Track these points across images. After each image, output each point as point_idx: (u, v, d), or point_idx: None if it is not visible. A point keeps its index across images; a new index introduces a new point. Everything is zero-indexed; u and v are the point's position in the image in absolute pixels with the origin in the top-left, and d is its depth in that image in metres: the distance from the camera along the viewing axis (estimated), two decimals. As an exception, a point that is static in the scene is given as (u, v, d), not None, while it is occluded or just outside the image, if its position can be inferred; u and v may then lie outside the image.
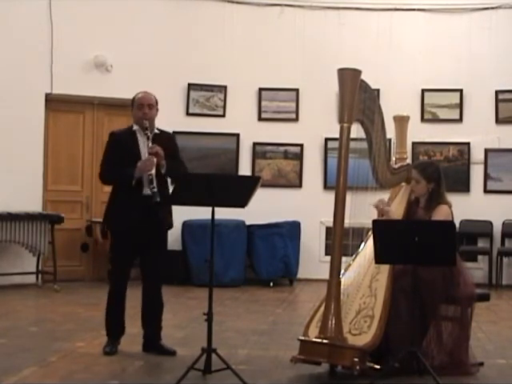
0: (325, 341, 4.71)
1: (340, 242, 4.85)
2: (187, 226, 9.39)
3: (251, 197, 4.75)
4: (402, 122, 5.60)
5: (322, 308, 4.87)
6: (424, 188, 5.18)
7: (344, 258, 4.99)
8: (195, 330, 6.11)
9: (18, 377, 4.67)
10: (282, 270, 9.52)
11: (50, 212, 8.92)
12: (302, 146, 10.04)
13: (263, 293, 8.88)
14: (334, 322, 4.73)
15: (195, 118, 9.93)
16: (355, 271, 5.15)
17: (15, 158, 8.77)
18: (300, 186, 10.10)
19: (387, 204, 5.29)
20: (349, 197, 4.89)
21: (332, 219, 4.86)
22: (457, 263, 4.80)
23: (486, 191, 9.89)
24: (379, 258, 4.65)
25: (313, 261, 9.71)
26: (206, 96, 9.97)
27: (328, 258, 4.95)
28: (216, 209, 4.75)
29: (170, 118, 9.66)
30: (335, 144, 5.13)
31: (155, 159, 5.18)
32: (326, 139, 9.84)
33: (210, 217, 4.79)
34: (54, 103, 9.26)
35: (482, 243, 9.91)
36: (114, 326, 5.40)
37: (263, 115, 10.10)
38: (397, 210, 5.26)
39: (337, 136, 4.88)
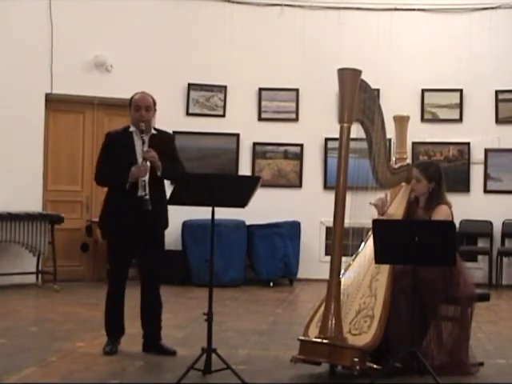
0: (325, 341, 4.71)
1: (340, 242, 4.85)
2: (187, 225, 9.40)
3: (251, 197, 4.75)
4: (401, 122, 5.60)
5: (322, 308, 4.87)
6: (425, 187, 5.18)
7: (344, 258, 4.99)
8: (195, 329, 6.11)
9: (19, 376, 4.67)
10: (281, 269, 9.52)
11: (50, 212, 8.92)
12: (302, 146, 10.04)
13: (263, 293, 8.88)
14: (333, 321, 4.73)
15: (195, 118, 9.93)
16: (355, 271, 5.15)
17: (15, 158, 8.78)
18: (300, 186, 10.10)
19: (387, 204, 5.29)
20: (349, 197, 4.89)
21: (332, 219, 4.86)
22: (457, 263, 4.80)
23: (485, 191, 9.89)
24: (379, 257, 4.65)
25: (313, 261, 9.71)
26: (206, 96, 9.97)
27: (328, 258, 4.95)
28: (216, 209, 4.75)
29: (169, 118, 9.70)
30: (335, 144, 5.13)
31: (149, 165, 5.16)
32: (326, 139, 9.85)
33: (210, 217, 4.79)
34: (54, 103, 9.26)
35: (481, 243, 9.91)
36: (114, 327, 5.40)
37: (263, 115, 10.10)
38: (397, 210, 5.26)
39: (337, 136, 4.88)
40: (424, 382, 4.61)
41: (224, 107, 10.00)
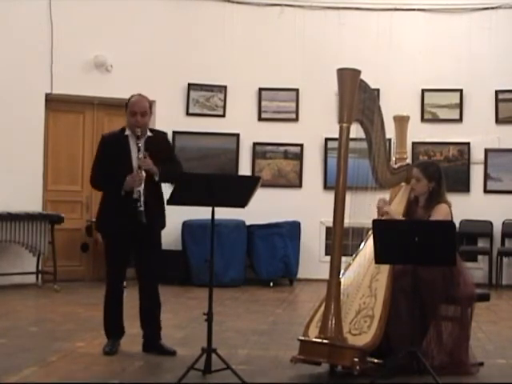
0: (325, 341, 4.71)
1: (340, 242, 4.85)
2: (187, 226, 9.40)
3: (251, 197, 4.76)
4: (401, 121, 5.60)
5: (322, 308, 4.87)
6: (425, 187, 5.18)
7: (344, 258, 4.99)
8: (195, 329, 6.11)
9: (19, 376, 4.67)
10: (282, 269, 9.52)
11: (50, 212, 8.92)
12: (302, 146, 10.04)
13: (263, 293, 8.88)
14: (333, 322, 4.73)
15: (195, 118, 9.93)
16: (355, 271, 5.15)
17: (15, 158, 8.78)
18: (300, 186, 10.10)
19: (388, 204, 5.29)
20: (349, 197, 4.90)
21: (332, 219, 4.86)
22: (457, 263, 4.80)
23: (486, 191, 9.89)
24: (379, 257, 4.65)
25: (313, 261, 9.71)
26: (206, 96, 9.97)
27: (328, 258, 4.96)
28: (216, 209, 4.76)
29: (169, 118, 9.73)
30: (335, 144, 5.13)
31: (144, 174, 5.15)
32: (326, 139, 9.84)
33: (210, 217, 4.79)
34: (54, 103, 9.26)
35: (481, 243, 9.91)
36: (113, 328, 5.40)
37: (263, 115, 10.10)
38: (396, 210, 5.26)
39: (337, 136, 4.88)
40: (424, 382, 4.61)
41: (224, 107, 10.00)
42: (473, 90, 9.88)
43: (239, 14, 9.93)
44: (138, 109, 5.25)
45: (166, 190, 5.17)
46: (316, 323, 4.91)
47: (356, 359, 4.60)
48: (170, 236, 9.25)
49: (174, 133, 9.76)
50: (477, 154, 9.88)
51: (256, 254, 9.53)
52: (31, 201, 8.83)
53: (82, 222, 9.34)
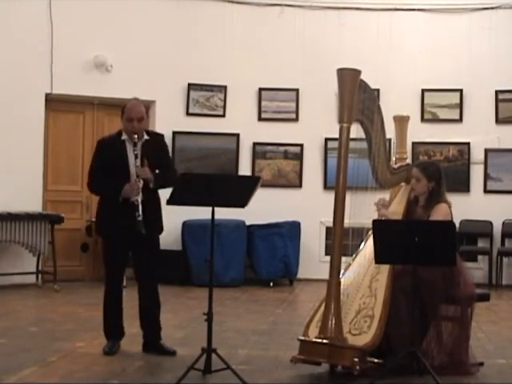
0: (325, 341, 4.71)
1: (340, 242, 4.85)
2: (187, 225, 9.40)
3: (251, 197, 4.75)
4: (401, 122, 5.60)
5: (322, 308, 4.87)
6: (424, 187, 5.18)
7: (344, 258, 5.00)
8: (195, 329, 6.11)
9: (19, 376, 4.67)
10: (282, 269, 9.52)
11: (50, 212, 8.92)
12: (302, 146, 10.04)
13: (263, 293, 8.87)
14: (333, 322, 4.73)
15: (195, 118, 9.92)
16: (355, 271, 5.15)
17: (15, 158, 8.77)
18: (300, 186, 10.10)
19: (387, 204, 5.29)
20: (349, 197, 4.90)
21: (332, 219, 4.86)
22: (457, 263, 4.80)
23: (486, 191, 9.89)
24: (379, 257, 4.65)
25: (313, 261, 9.71)
26: (206, 96, 9.97)
27: (328, 258, 4.96)
28: (216, 209, 4.76)
29: (169, 118, 9.73)
30: (335, 144, 5.13)
31: (142, 183, 5.16)
32: (326, 139, 9.84)
33: (210, 217, 4.79)
34: (54, 103, 9.26)
35: (481, 243, 9.91)
36: (113, 328, 5.41)
37: (263, 115, 10.10)
38: (396, 210, 5.26)
39: (337, 136, 4.88)
40: (424, 382, 4.61)
41: (224, 107, 10.00)
42: (473, 90, 9.88)
43: (239, 14, 9.93)
44: (134, 115, 5.22)
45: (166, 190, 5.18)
46: (316, 323, 4.91)
47: (356, 359, 4.60)
48: (170, 236, 9.24)
49: (174, 133, 9.76)
50: (477, 154, 9.88)
51: (256, 254, 9.53)
52: (31, 201, 8.83)
53: (82, 222, 9.34)
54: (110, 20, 9.33)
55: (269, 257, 9.45)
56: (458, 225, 8.55)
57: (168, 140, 9.37)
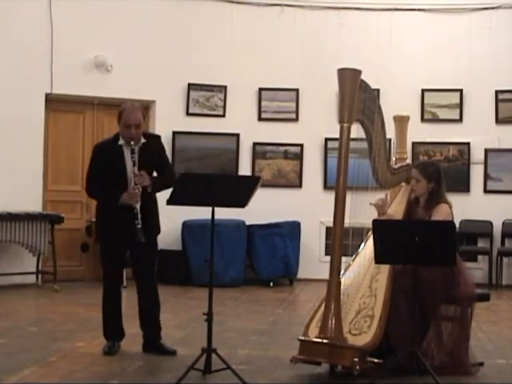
0: (325, 341, 4.71)
1: (340, 242, 4.85)
2: (187, 225, 9.40)
3: (251, 197, 4.76)
4: (402, 122, 5.60)
5: (322, 308, 4.87)
6: (424, 187, 5.18)
7: (344, 258, 5.00)
8: (195, 329, 6.11)
9: (19, 376, 4.67)
10: (282, 270, 9.52)
11: (50, 212, 8.92)
12: (302, 146, 10.04)
13: (263, 293, 8.87)
14: (334, 321, 4.73)
15: (195, 118, 9.92)
16: (355, 271, 5.15)
17: (15, 158, 8.77)
18: (300, 186, 10.09)
19: (386, 203, 5.29)
20: (349, 197, 4.90)
21: (332, 219, 4.86)
22: (457, 263, 4.80)
23: (486, 191, 9.89)
24: (379, 258, 4.65)
25: (313, 261, 9.71)
26: (206, 96, 9.97)
27: (328, 258, 4.96)
28: (216, 209, 4.76)
29: (169, 118, 9.73)
30: (335, 144, 5.13)
31: (140, 190, 5.16)
32: (326, 139, 9.84)
33: (210, 217, 4.79)
34: (54, 103, 9.26)
35: (482, 243, 9.91)
36: (112, 330, 5.41)
37: (263, 115, 10.10)
38: (397, 210, 5.27)
39: (337, 136, 4.88)
40: (424, 382, 4.61)
41: (224, 107, 10.00)
42: (473, 90, 9.88)
43: (239, 14, 9.92)
44: (132, 122, 5.19)
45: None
46: (316, 323, 4.91)
47: (356, 359, 4.60)
48: (170, 236, 9.25)
49: (174, 133, 9.76)
50: (477, 154, 9.88)
51: (256, 254, 9.53)
52: (31, 201, 8.83)
53: (82, 222, 9.34)
54: (110, 20, 9.33)
55: (269, 257, 9.45)
56: (458, 225, 8.55)
57: (168, 140, 9.52)
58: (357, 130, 4.98)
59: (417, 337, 4.74)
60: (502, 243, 9.78)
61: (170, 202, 4.74)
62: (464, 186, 9.80)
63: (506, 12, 9.85)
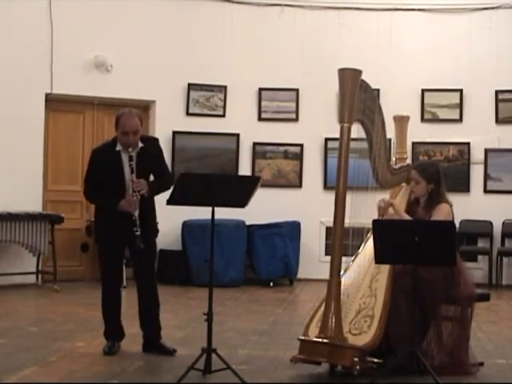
0: (325, 340, 4.71)
1: (340, 241, 4.85)
2: (187, 226, 9.40)
3: (251, 197, 4.76)
4: (401, 122, 5.60)
5: (322, 308, 4.87)
6: (424, 189, 5.18)
7: (344, 258, 4.99)
8: (195, 329, 6.11)
9: (19, 376, 4.67)
10: (282, 270, 9.52)
11: (50, 212, 8.92)
12: (302, 146, 10.04)
13: (263, 293, 8.87)
14: (334, 321, 4.73)
15: (195, 118, 9.92)
16: (355, 271, 5.15)
17: (15, 158, 8.77)
18: (300, 186, 10.09)
19: (389, 204, 5.29)
20: (349, 197, 4.89)
21: (332, 219, 4.86)
22: (457, 263, 4.80)
23: (486, 191, 9.89)
24: (379, 258, 4.65)
25: (313, 261, 9.71)
26: (206, 96, 9.96)
27: (328, 258, 4.96)
28: (216, 209, 4.76)
29: (169, 118, 9.73)
30: (335, 144, 5.13)
31: (139, 197, 5.16)
32: (326, 139, 9.84)
33: (210, 217, 4.79)
34: (54, 103, 9.26)
35: (482, 243, 9.91)
36: (112, 330, 5.41)
37: (263, 115, 10.10)
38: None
39: (337, 136, 4.88)
40: (424, 382, 4.61)
41: (224, 107, 9.99)
42: (473, 90, 9.88)
43: (239, 14, 9.92)
44: (129, 129, 5.18)
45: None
46: (316, 323, 4.91)
47: (356, 359, 4.60)
48: (170, 236, 9.26)
49: (174, 133, 9.76)
50: (477, 154, 9.88)
51: (256, 254, 9.53)
52: (31, 201, 8.83)
53: (82, 222, 9.34)
54: (110, 20, 9.33)
55: (269, 257, 9.45)
56: (458, 225, 8.54)
57: (168, 140, 9.53)
58: (357, 130, 4.98)
59: (417, 337, 4.74)
60: (502, 243, 9.78)
61: (169, 201, 4.74)
62: (464, 186, 9.80)
63: (506, 12, 9.85)
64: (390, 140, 5.61)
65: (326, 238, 9.74)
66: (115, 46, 9.34)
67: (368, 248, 5.12)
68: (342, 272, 4.99)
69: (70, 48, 9.07)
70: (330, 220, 4.95)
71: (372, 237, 4.68)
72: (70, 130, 9.46)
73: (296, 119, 10.09)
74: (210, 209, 4.73)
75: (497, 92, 9.82)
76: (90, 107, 9.52)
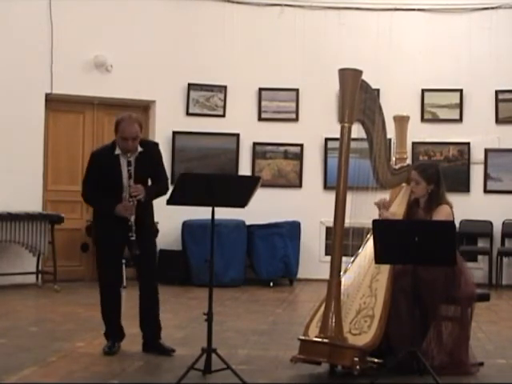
0: (325, 340, 4.71)
1: (340, 241, 4.85)
2: (187, 225, 9.40)
3: (251, 197, 4.76)
4: (401, 122, 5.60)
5: (322, 308, 4.87)
6: (424, 189, 5.18)
7: (344, 258, 4.99)
8: (195, 329, 6.11)
9: (19, 376, 4.67)
10: (282, 270, 9.52)
11: (50, 212, 8.92)
12: (302, 146, 10.04)
13: (263, 293, 8.87)
14: (334, 321, 4.73)
15: (195, 118, 9.92)
16: (355, 271, 5.15)
17: (15, 158, 8.77)
18: (300, 186, 10.09)
19: (388, 205, 5.29)
20: (349, 197, 4.89)
21: (332, 219, 4.86)
22: (459, 263, 4.81)
23: (486, 191, 9.89)
24: (379, 258, 4.65)
25: (313, 261, 9.71)
26: (206, 96, 9.96)
27: (328, 258, 4.96)
28: (216, 209, 4.76)
29: (169, 118, 9.74)
30: (335, 144, 5.13)
31: (135, 202, 5.17)
32: (326, 139, 9.84)
33: (210, 217, 4.79)
34: (54, 103, 9.26)
35: (482, 243, 9.91)
36: (111, 328, 5.41)
37: (263, 115, 10.10)
38: (397, 212, 5.26)
39: (337, 136, 4.88)
40: (424, 382, 4.61)
41: (224, 107, 9.99)
42: (473, 90, 9.88)
43: (239, 14, 9.92)
44: (129, 135, 5.19)
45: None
46: (316, 323, 4.91)
47: (356, 359, 4.60)
48: (170, 236, 9.26)
49: (174, 133, 9.76)
50: (477, 154, 9.88)
51: (256, 254, 9.52)
52: (31, 201, 8.83)
53: (82, 222, 9.33)
54: (110, 20, 9.33)
55: (269, 257, 9.45)
56: (458, 225, 8.55)
57: (168, 140, 9.55)
58: (357, 130, 4.98)
59: (417, 337, 4.74)
60: (502, 243, 9.78)
61: (169, 201, 4.74)
62: (464, 186, 9.80)
63: (506, 12, 9.85)
64: (389, 140, 5.61)
65: (326, 238, 9.74)
66: (115, 46, 9.34)
67: (368, 248, 5.13)
68: (342, 272, 4.99)
69: (69, 48, 9.07)
70: (330, 220, 4.95)
71: (372, 237, 4.68)
72: (69, 130, 9.46)
73: (296, 119, 10.09)
74: (210, 209, 4.73)
75: (497, 92, 9.82)
76: (90, 107, 9.52)
